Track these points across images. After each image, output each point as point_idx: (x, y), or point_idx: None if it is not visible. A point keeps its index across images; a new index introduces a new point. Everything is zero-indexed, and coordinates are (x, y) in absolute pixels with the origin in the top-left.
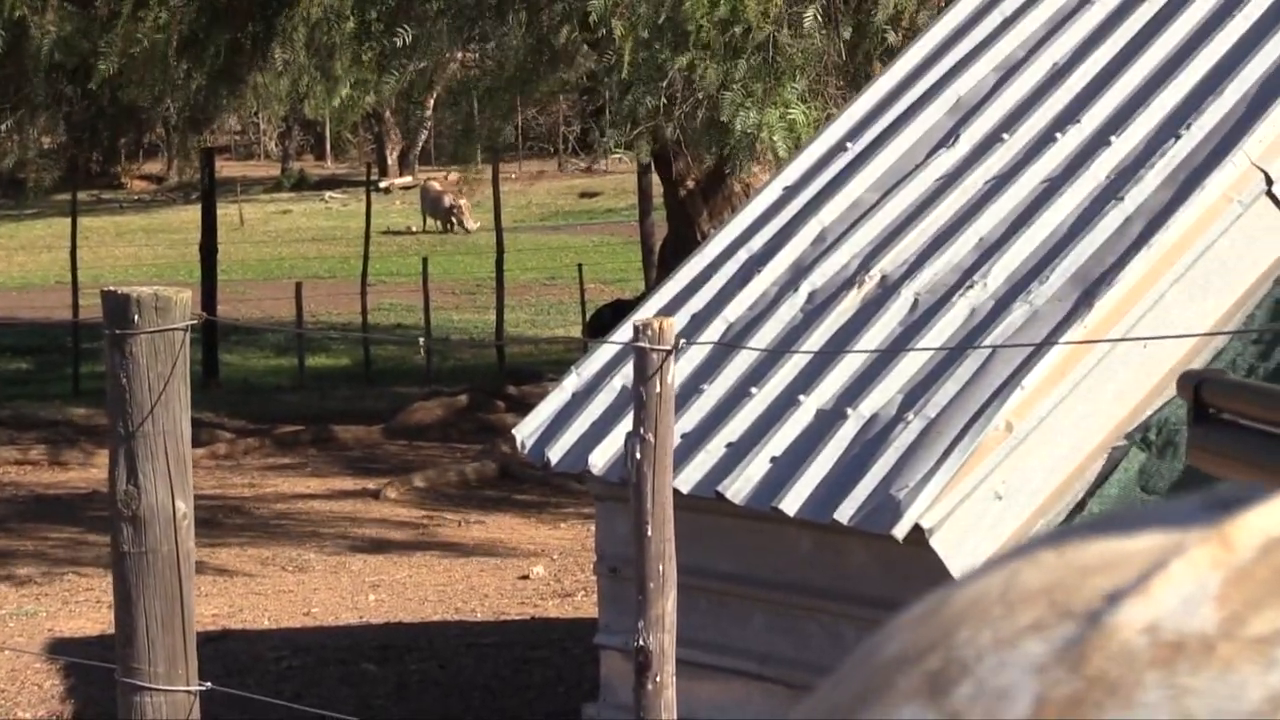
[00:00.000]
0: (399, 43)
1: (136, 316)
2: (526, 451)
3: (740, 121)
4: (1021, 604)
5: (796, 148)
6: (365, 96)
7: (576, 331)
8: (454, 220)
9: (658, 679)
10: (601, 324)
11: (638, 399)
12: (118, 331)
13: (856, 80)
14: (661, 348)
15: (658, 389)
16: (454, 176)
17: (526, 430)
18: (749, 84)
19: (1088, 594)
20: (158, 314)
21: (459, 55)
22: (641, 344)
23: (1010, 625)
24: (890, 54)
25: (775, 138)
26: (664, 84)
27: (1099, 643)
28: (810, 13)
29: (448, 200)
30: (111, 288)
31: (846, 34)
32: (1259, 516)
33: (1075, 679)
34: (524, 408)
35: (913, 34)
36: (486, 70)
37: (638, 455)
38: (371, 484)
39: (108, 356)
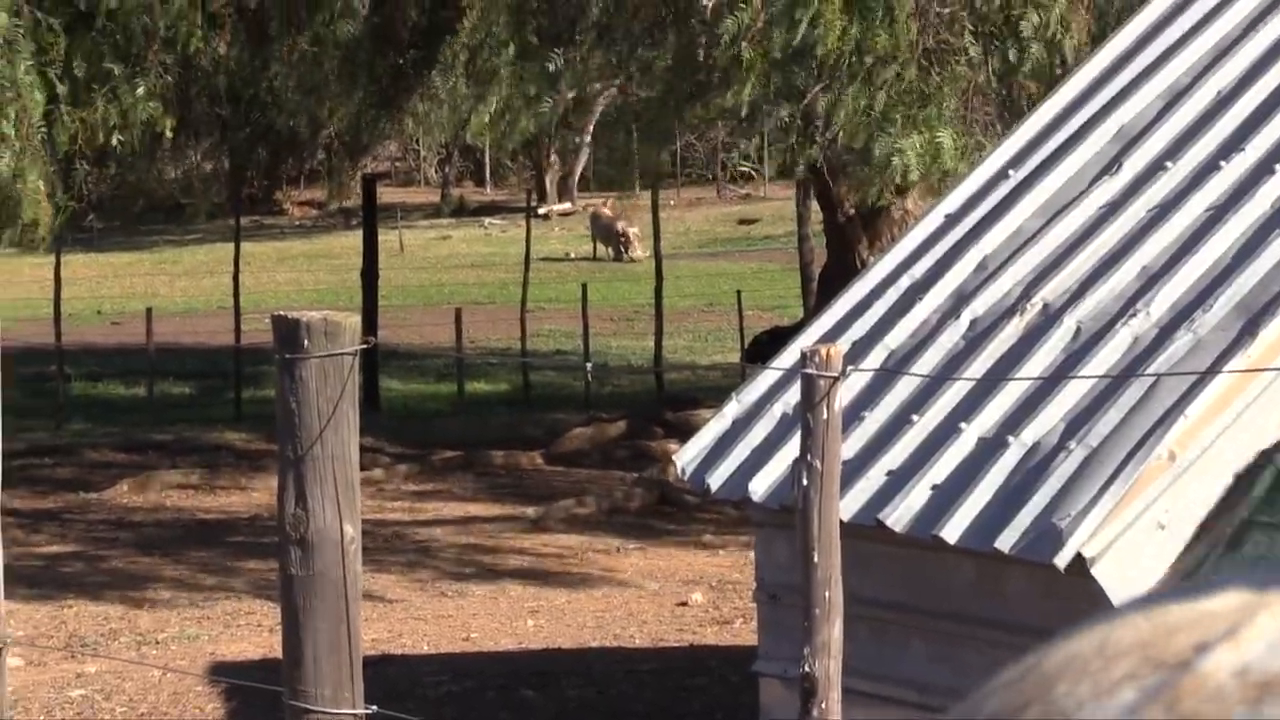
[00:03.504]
0: (551, 68)
1: (306, 341)
2: (687, 477)
3: (879, 147)
4: (1116, 659)
5: (945, 174)
6: (525, 122)
7: (734, 358)
8: (623, 247)
9: (823, 705)
10: (760, 351)
11: (805, 425)
12: (288, 356)
13: (1005, 107)
14: (829, 374)
15: (825, 415)
16: (613, 203)
17: (687, 456)
18: (888, 111)
19: (1177, 647)
20: (327, 339)
21: (615, 82)
22: (809, 370)
23: (1107, 677)
24: (1037, 75)
25: (911, 163)
26: (800, 106)
27: (1191, 687)
28: (966, 42)
29: (620, 227)
30: (281, 313)
31: (995, 63)
32: None
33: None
34: (682, 434)
35: (1063, 63)
36: (642, 97)
37: (804, 481)
38: (529, 510)
39: (277, 381)
